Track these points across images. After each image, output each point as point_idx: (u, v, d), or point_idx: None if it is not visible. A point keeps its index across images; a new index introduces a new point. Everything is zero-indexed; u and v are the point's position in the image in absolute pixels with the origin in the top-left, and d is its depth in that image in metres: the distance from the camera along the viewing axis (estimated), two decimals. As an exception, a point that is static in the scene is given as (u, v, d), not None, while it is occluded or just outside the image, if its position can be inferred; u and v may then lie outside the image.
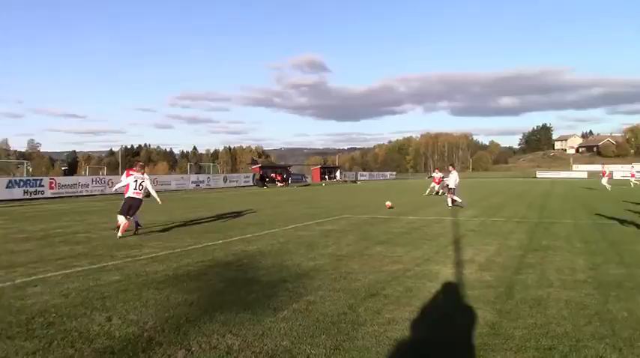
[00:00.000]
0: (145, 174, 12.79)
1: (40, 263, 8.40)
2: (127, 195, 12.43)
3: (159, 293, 6.31)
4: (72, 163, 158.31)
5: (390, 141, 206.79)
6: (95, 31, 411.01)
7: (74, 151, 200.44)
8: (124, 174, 13.28)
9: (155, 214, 17.94)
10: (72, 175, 58.08)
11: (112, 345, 4.40)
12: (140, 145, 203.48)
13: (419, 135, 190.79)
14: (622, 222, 13.99)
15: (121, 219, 12.10)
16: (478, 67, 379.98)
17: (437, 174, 30.23)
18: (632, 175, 41.75)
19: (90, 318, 5.21)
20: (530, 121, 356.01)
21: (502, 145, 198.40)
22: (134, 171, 12.81)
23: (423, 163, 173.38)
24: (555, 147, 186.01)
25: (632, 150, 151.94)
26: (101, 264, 8.32)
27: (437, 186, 29.58)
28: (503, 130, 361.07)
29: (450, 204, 20.47)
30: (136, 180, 12.51)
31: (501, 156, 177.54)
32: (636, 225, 13.05)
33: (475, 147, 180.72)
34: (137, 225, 12.90)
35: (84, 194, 31.92)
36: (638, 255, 8.99)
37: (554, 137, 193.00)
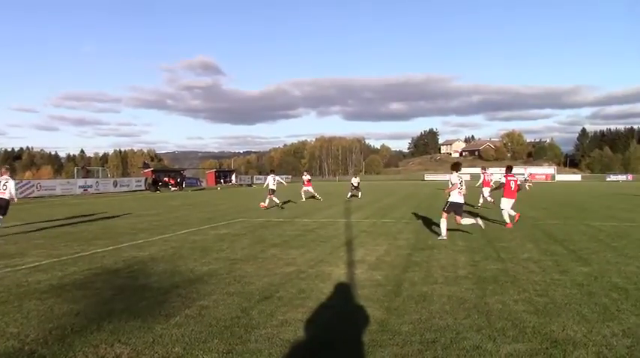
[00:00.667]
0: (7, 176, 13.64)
1: None
2: None
3: (42, 303, 5.97)
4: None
5: (285, 145, 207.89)
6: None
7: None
8: None
9: (40, 220, 16.85)
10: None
11: (-13, 362, 4.12)
12: (22, 148, 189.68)
13: (314, 139, 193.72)
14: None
15: None
16: (368, 73, 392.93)
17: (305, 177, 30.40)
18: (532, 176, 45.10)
19: (-39, 334, 4.83)
20: (418, 126, 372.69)
21: (393, 149, 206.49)
22: None
23: (318, 166, 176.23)
24: (441, 151, 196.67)
25: (508, 154, 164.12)
26: (-26, 275, 7.70)
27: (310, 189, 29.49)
28: (394, 135, 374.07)
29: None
30: None
31: (392, 160, 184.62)
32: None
33: (367, 151, 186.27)
34: None
35: (-47, 200, 29.22)
36: (513, 251, 9.76)
37: (440, 141, 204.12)
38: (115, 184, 46.24)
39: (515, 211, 14.50)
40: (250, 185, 70.10)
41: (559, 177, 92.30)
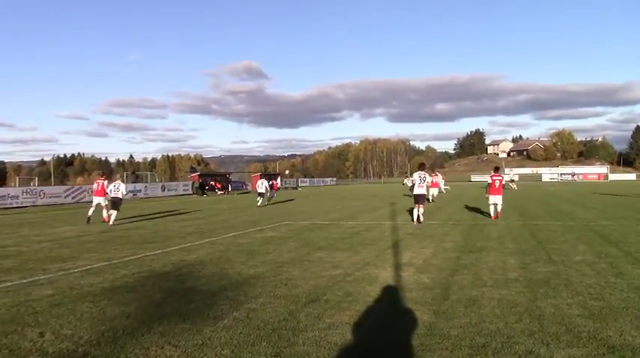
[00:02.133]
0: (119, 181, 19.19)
1: (-35, 279, 7.99)
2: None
3: (94, 306, 6.13)
4: (0, 174, 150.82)
5: (329, 148, 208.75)
6: (23, 33, 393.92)
7: (2, 161, 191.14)
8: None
9: (91, 225, 17.38)
10: (1, 186, 55.37)
11: (44, 362, 4.26)
12: (73, 154, 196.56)
13: (358, 142, 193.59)
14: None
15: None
16: (412, 74, 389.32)
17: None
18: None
19: (21, 334, 5.01)
20: (464, 127, 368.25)
21: (438, 150, 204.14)
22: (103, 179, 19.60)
23: (363, 168, 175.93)
24: (488, 152, 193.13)
25: (558, 154, 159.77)
26: (33, 278, 8.00)
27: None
28: (439, 136, 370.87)
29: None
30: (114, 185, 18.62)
31: (438, 161, 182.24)
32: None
33: (412, 153, 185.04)
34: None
35: (14, 206, 30.50)
36: (564, 253, 9.46)
37: (486, 142, 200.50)
38: (163, 188, 47.32)
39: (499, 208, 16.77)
40: (296, 188, 70.44)
41: (612, 177, 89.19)
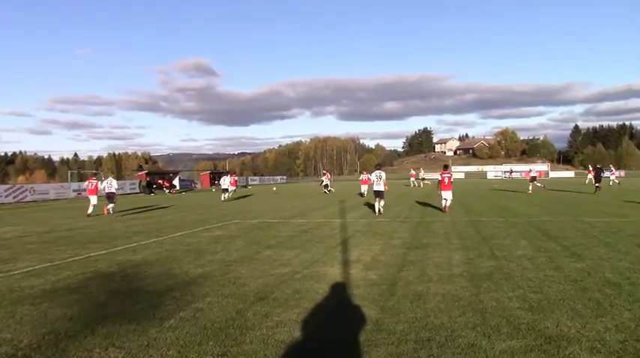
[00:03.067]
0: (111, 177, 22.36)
1: None
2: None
3: (35, 308, 5.94)
4: None
5: (280, 146, 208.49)
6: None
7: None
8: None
9: (33, 225, 16.78)
10: None
11: (-20, 368, 4.10)
12: (15, 152, 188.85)
13: (308, 140, 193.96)
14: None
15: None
16: (362, 73, 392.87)
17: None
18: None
19: (-46, 341, 4.80)
20: (413, 125, 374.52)
21: (387, 148, 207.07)
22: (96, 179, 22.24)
23: (313, 167, 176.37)
24: (436, 150, 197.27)
25: (502, 152, 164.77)
26: (-33, 281, 7.66)
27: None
28: (388, 134, 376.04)
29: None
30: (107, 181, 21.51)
31: (387, 159, 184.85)
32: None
33: (362, 151, 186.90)
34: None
35: (-54, 206, 29.08)
36: (507, 248, 9.78)
37: (434, 140, 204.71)
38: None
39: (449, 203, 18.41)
40: (245, 186, 69.97)
41: (553, 174, 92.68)
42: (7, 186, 36.86)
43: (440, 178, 18.58)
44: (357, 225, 14.59)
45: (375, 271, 7.82)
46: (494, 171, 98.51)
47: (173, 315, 5.54)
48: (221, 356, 4.29)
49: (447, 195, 18.25)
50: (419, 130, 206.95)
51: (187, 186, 62.03)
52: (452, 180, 18.50)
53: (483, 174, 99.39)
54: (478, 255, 9.04)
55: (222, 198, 30.36)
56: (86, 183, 22.85)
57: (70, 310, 5.85)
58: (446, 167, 19.78)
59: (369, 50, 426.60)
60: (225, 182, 31.43)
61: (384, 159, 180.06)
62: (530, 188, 32.31)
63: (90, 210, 20.70)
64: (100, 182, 22.19)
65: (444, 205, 18.39)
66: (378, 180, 18.06)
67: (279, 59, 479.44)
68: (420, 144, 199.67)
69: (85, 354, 4.38)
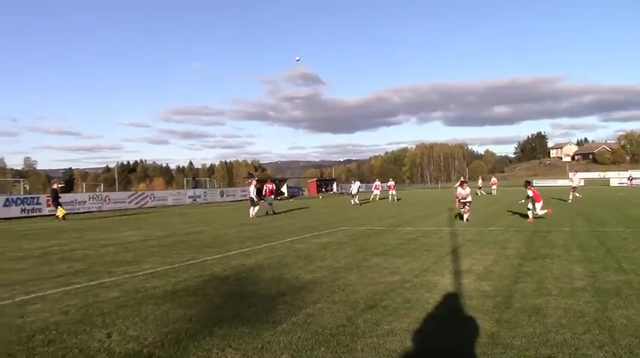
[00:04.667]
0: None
1: (39, 280, 8.39)
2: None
3: (158, 308, 6.31)
4: (68, 180, 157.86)
5: (386, 153, 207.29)
6: (87, 44, 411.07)
7: (70, 168, 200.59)
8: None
9: (154, 229, 17.94)
10: (69, 192, 57.95)
11: (112, 362, 4.41)
12: (136, 161, 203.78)
13: (414, 146, 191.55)
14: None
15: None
16: (470, 77, 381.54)
17: (377, 182, 42.70)
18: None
19: (90, 335, 5.22)
20: (525, 130, 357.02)
21: (498, 154, 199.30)
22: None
23: (420, 173, 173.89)
24: (551, 156, 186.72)
25: (627, 157, 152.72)
26: (100, 280, 8.31)
27: (377, 192, 40.45)
28: (499, 139, 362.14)
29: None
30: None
31: (497, 165, 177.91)
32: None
33: (471, 157, 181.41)
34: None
35: (81, 211, 31.86)
36: (636, 261, 9.01)
37: (549, 145, 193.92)
38: (222, 194, 48.28)
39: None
40: (350, 193, 70.33)
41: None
42: (130, 193, 39.79)
43: (532, 192, 18.60)
44: (468, 234, 14.14)
45: (489, 282, 7.51)
46: (618, 178, 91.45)
47: (285, 320, 5.65)
48: (333, 363, 4.30)
49: (538, 206, 18.47)
50: (532, 135, 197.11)
51: (295, 193, 63.46)
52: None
53: (606, 180, 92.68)
54: (603, 268, 8.41)
55: (352, 203, 33.14)
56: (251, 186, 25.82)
57: (189, 311, 6.15)
58: (528, 183, 20.35)
59: (478, 53, 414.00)
60: (355, 188, 34.17)
61: (494, 166, 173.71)
62: None
63: (252, 212, 23.47)
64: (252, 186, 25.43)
65: (530, 214, 18.26)
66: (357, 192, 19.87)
67: (383, 65, 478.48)
68: (534, 149, 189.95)
69: (204, 354, 4.57)
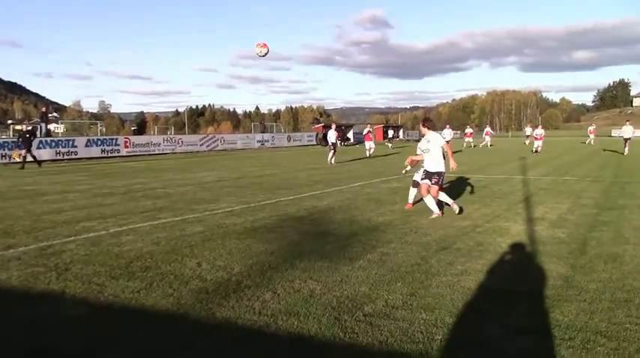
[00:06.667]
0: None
1: (128, 215, 9.03)
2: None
3: (240, 242, 6.71)
4: (141, 124, 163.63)
5: (454, 100, 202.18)
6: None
7: (142, 112, 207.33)
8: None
9: (227, 171, 18.60)
10: (141, 135, 60.29)
11: (205, 287, 4.81)
12: (204, 105, 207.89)
13: (484, 93, 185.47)
14: None
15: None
16: (549, 20, 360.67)
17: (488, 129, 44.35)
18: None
19: (182, 263, 5.67)
20: (606, 77, 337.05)
21: (574, 102, 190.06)
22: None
23: (489, 122, 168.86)
24: (634, 104, 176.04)
25: None
26: (183, 216, 8.85)
27: (470, 140, 40.53)
28: (576, 87, 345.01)
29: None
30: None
31: (573, 114, 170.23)
32: None
33: (545, 105, 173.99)
34: None
35: (156, 152, 33.24)
36: None
37: (632, 93, 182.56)
38: (289, 139, 48.93)
39: None
40: (418, 140, 69.42)
41: None
42: (202, 136, 41.03)
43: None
44: (541, 183, 13.89)
45: (563, 229, 7.48)
46: None
47: (361, 257, 5.91)
48: (410, 296, 4.52)
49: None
50: (613, 82, 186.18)
51: (361, 139, 63.32)
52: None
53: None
54: (685, 220, 8.16)
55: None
56: (365, 130, 28.89)
57: (270, 246, 6.51)
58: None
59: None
60: (447, 135, 32.83)
61: (569, 114, 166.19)
62: None
63: (368, 153, 25.78)
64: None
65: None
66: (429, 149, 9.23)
67: (455, 9, 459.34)
68: (614, 97, 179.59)
69: (287, 284, 4.91)
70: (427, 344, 3.53)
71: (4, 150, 24.63)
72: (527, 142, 40.58)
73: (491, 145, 39.98)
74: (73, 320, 4.06)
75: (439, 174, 8.89)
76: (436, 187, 8.78)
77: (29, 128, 24.54)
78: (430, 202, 8.73)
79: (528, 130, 43.62)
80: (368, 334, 3.72)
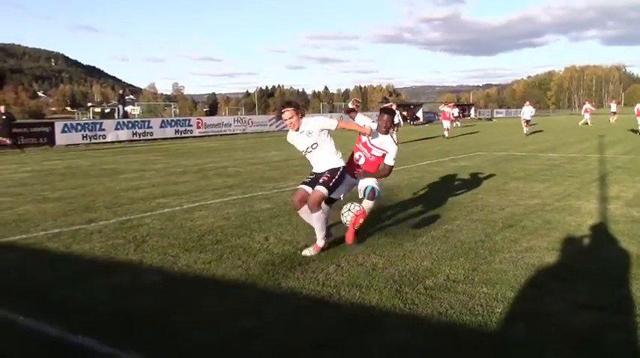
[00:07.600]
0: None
1: (200, 192, 9.44)
2: None
3: (305, 219, 6.89)
4: (212, 105, 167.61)
5: (529, 77, 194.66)
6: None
7: (213, 93, 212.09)
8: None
9: (295, 151, 18.91)
10: (213, 116, 61.92)
11: (272, 259, 5.04)
12: (274, 86, 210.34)
13: (562, 69, 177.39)
14: None
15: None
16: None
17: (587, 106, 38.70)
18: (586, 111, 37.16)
19: (250, 237, 5.94)
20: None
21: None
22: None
23: (567, 99, 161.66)
24: None
25: None
26: (252, 194, 9.16)
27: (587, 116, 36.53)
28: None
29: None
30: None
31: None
32: None
33: (629, 81, 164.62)
34: None
35: (227, 133, 34.09)
36: None
37: None
38: (358, 119, 48.76)
39: None
40: (490, 119, 67.67)
41: None
42: (271, 116, 41.61)
43: None
44: (618, 161, 13.31)
45: (639, 208, 7.20)
46: None
47: (425, 233, 5.96)
48: (472, 271, 4.56)
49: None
50: None
51: (430, 118, 62.34)
52: None
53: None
54: None
55: (525, 132, 26.96)
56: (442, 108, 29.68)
57: (334, 222, 6.65)
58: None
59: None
60: (527, 112, 28.02)
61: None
62: None
63: (445, 133, 25.79)
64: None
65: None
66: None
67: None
68: None
69: (352, 258, 5.05)
70: (486, 317, 3.58)
71: (85, 131, 25.97)
72: (612, 120, 38.62)
73: (591, 123, 36.13)
74: (150, 287, 4.39)
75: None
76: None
77: (9, 112, 22.51)
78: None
79: (613, 106, 41.63)
80: (428, 305, 3.81)
